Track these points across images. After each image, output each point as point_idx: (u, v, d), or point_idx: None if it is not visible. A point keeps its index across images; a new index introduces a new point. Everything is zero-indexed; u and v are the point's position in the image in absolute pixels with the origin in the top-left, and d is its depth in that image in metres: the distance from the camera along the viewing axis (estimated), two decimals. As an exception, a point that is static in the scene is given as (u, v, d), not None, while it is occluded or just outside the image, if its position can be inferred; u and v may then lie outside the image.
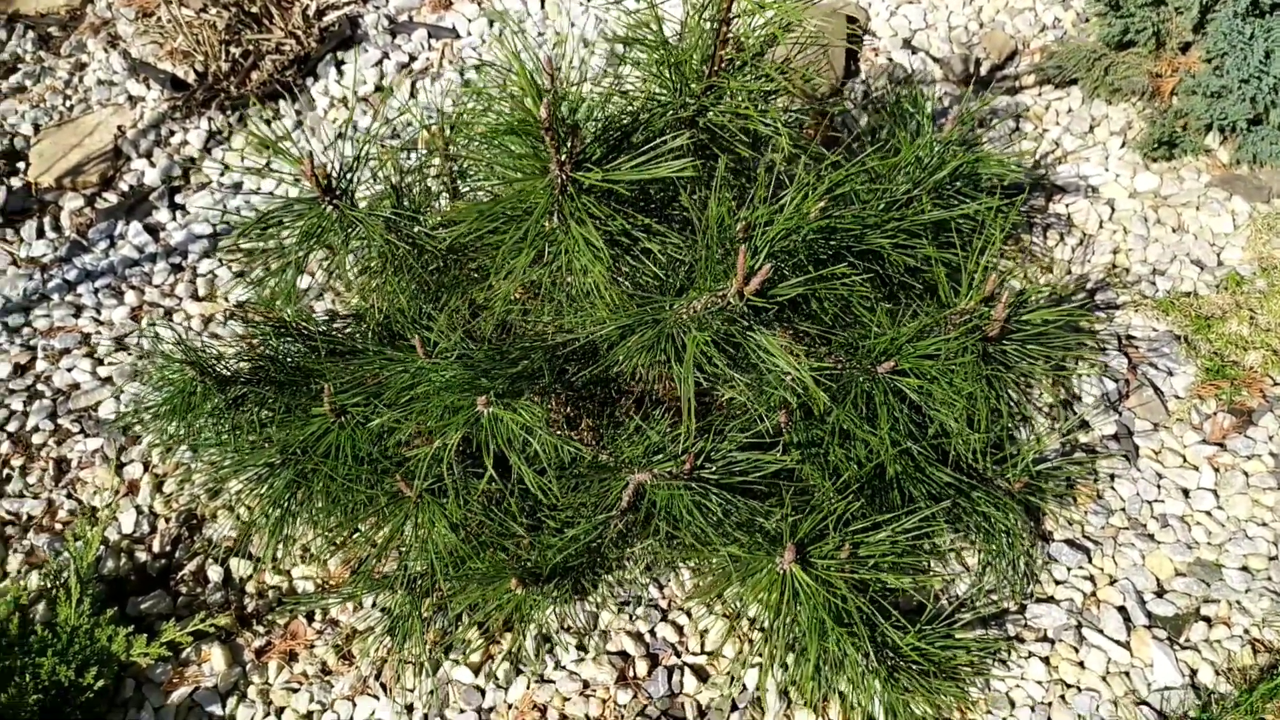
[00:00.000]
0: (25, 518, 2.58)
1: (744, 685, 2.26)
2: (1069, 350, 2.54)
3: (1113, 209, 2.99)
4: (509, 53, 1.90)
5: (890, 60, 3.41)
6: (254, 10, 3.49)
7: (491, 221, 2.09)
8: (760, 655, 2.27)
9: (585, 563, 2.16)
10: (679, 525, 2.05)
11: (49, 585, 2.40)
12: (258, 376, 2.31)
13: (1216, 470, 2.50)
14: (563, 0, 3.60)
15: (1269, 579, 2.34)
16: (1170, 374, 2.65)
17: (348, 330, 2.56)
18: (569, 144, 1.92)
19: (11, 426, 2.74)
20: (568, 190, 1.96)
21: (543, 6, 3.60)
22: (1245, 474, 2.48)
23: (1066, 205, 3.01)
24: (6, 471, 2.66)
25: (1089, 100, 3.26)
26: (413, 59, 3.48)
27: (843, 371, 2.18)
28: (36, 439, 2.72)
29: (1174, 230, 2.94)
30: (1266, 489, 2.46)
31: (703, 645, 2.33)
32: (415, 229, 2.21)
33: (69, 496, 2.63)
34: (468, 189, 2.51)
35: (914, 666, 2.17)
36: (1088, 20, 3.46)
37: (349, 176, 2.17)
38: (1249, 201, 2.97)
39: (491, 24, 3.54)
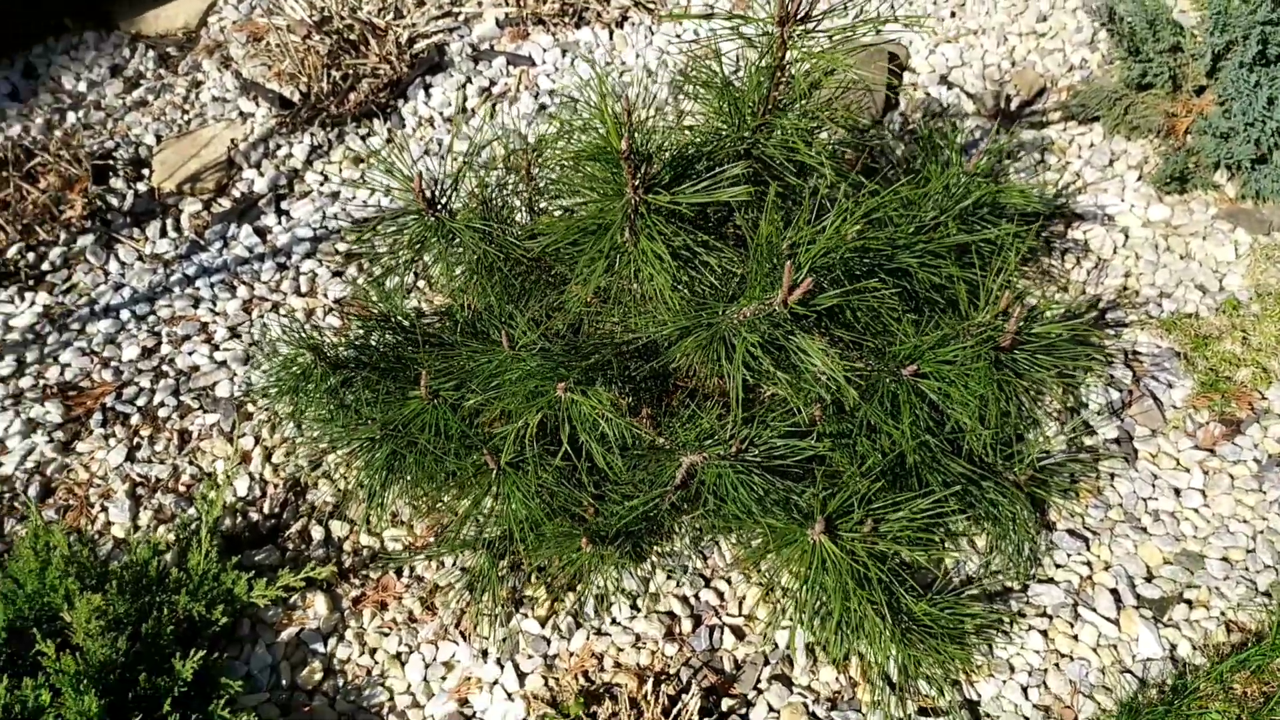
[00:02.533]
0: (154, 480, 2.97)
1: (775, 644, 2.59)
2: (1075, 361, 2.84)
3: (1126, 236, 3.30)
4: (598, 95, 2.26)
5: (927, 95, 3.73)
6: (353, 38, 3.88)
7: (573, 234, 2.44)
8: (790, 619, 2.60)
9: (644, 528, 2.50)
10: (724, 500, 2.39)
11: (177, 537, 2.78)
12: (362, 362, 2.67)
13: (1206, 473, 2.80)
14: (629, 33, 3.96)
15: (1246, 569, 2.64)
16: (1170, 386, 2.95)
17: (437, 325, 2.92)
18: (643, 170, 2.27)
19: (140, 401, 3.13)
20: (639, 210, 2.30)
21: (611, 38, 3.96)
22: (1231, 477, 2.78)
23: (1084, 232, 3.31)
24: (137, 440, 3.05)
25: (1110, 136, 3.56)
26: (493, 84, 3.86)
27: (871, 373, 2.51)
28: (162, 413, 3.11)
29: (1181, 257, 3.24)
30: (1249, 490, 2.75)
31: (740, 609, 2.66)
32: (506, 238, 2.57)
33: (190, 463, 3.01)
34: (544, 204, 2.86)
35: (926, 631, 2.49)
36: (1112, 62, 3.76)
37: (448, 193, 2.54)
38: (1251, 234, 3.26)
39: (564, 53, 3.90)
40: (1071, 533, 2.73)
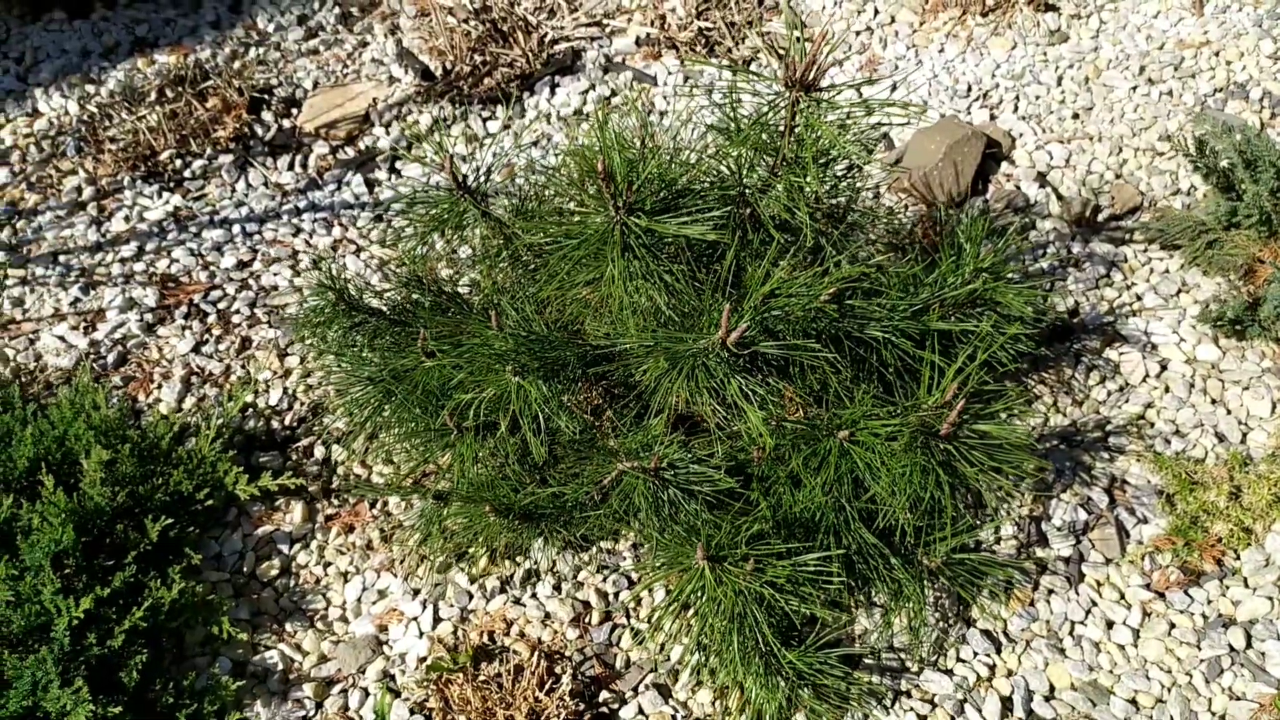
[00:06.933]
0: (207, 373, 3.40)
1: (669, 657, 2.75)
2: (1008, 466, 2.82)
3: (1163, 368, 3.24)
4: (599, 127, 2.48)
5: (1018, 188, 3.75)
6: (504, 29, 4.23)
7: (556, 235, 2.66)
8: (687, 639, 2.75)
9: (551, 514, 2.71)
10: (630, 509, 2.57)
11: (200, 424, 3.18)
12: (377, 312, 2.98)
13: (1146, 614, 2.75)
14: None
15: (1149, 717, 2.59)
16: (1145, 522, 2.91)
17: (466, 297, 3.21)
18: (625, 194, 2.48)
19: (221, 305, 3.57)
20: (621, 229, 2.51)
21: (734, 74, 4.14)
22: (1171, 624, 2.73)
23: (1120, 354, 3.28)
24: (206, 336, 3.49)
25: (1187, 268, 3.49)
26: (614, 94, 4.13)
27: (811, 430, 2.63)
28: (235, 319, 3.54)
29: (1213, 402, 3.16)
30: (1184, 643, 2.69)
31: (651, 617, 2.83)
32: (513, 228, 2.83)
33: (242, 367, 3.42)
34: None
35: (807, 682, 2.59)
36: (1205, 195, 3.66)
37: (484, 180, 2.82)
38: (1297, 394, 3.14)
39: (685, 79, 4.13)
40: (987, 634, 2.75)
